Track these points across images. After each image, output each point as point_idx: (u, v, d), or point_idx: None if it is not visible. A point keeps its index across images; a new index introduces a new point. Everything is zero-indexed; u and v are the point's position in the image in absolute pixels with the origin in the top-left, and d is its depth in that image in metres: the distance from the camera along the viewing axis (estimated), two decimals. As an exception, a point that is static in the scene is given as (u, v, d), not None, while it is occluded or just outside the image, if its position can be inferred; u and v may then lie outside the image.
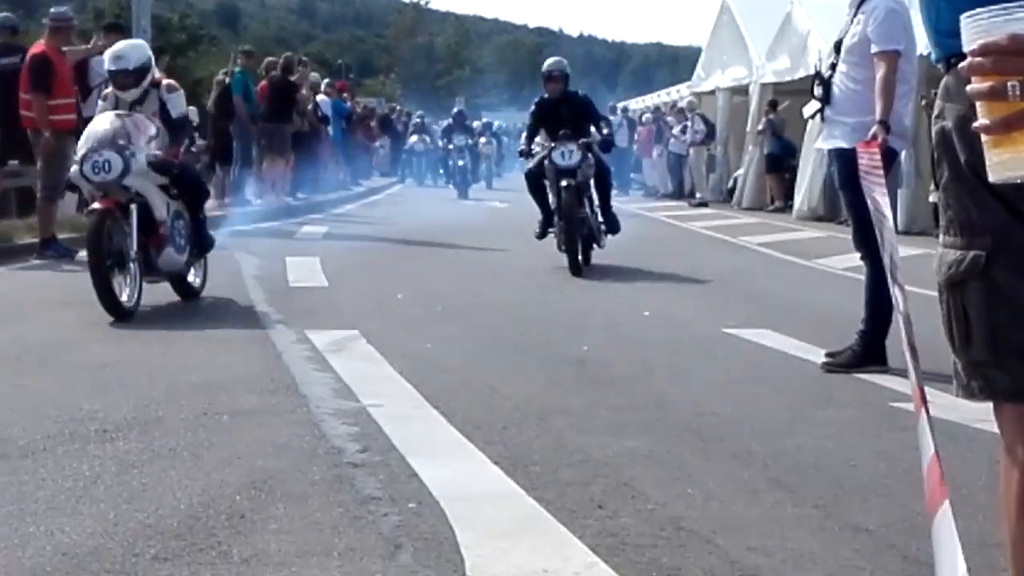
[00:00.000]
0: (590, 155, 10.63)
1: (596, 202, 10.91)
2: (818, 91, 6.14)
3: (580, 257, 10.36)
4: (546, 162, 10.55)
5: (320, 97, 21.11)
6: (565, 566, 3.12)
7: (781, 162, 21.08)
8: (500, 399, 5.22)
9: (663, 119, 27.53)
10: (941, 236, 1.85)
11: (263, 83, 17.58)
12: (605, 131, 10.98)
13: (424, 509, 3.56)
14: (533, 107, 11.29)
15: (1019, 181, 1.47)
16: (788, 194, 20.20)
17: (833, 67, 6.10)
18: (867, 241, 5.72)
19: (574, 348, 6.55)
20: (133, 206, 7.42)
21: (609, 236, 10.96)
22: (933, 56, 1.88)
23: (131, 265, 7.37)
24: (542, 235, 10.91)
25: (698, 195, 23.59)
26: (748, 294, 9.45)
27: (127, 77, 7.81)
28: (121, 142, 7.46)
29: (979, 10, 1.45)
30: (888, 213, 1.89)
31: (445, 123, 30.42)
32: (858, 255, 6.12)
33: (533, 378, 5.74)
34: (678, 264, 11.31)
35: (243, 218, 15.22)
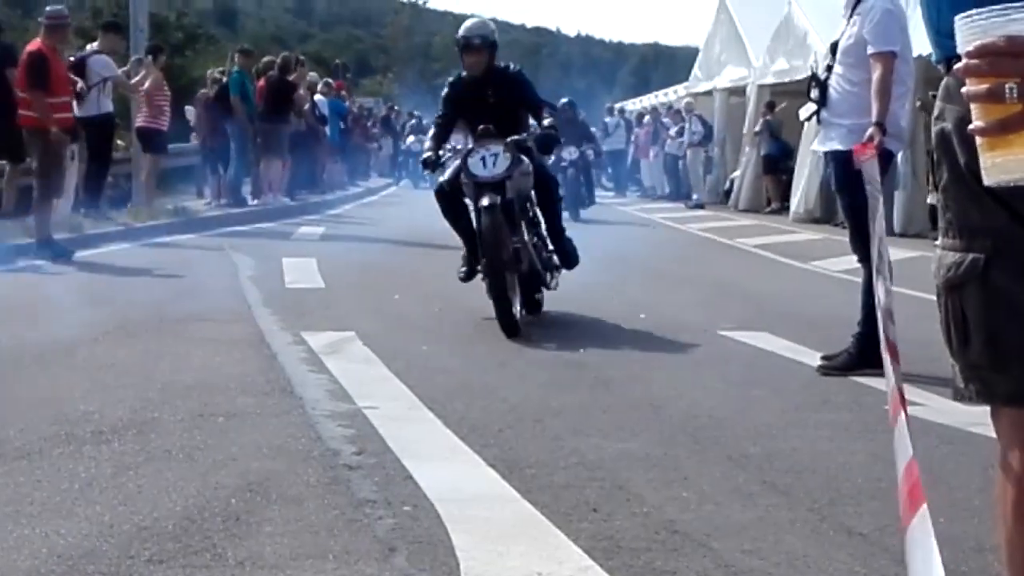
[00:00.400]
0: (525, 160, 7.31)
1: (543, 225, 7.71)
2: (814, 93, 6.12)
3: (518, 308, 7.26)
4: (462, 174, 7.33)
5: (318, 97, 21.07)
6: (560, 569, 3.12)
7: (778, 163, 21.02)
8: (496, 401, 5.21)
9: (660, 120, 27.50)
10: (940, 238, 1.84)
11: (260, 83, 17.54)
12: (547, 120, 7.45)
13: (419, 512, 3.56)
14: (446, 89, 7.75)
15: (1013, 184, 1.46)
16: (785, 196, 20.17)
17: (829, 69, 6.09)
18: (864, 244, 5.72)
19: (570, 350, 6.55)
20: None
21: (563, 271, 7.80)
22: (933, 57, 1.87)
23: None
24: (468, 276, 7.60)
25: (695, 196, 23.54)
26: (744, 296, 9.44)
27: None
28: None
29: (974, 11, 1.43)
30: (879, 198, 1.87)
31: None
32: (855, 258, 6.12)
33: (529, 380, 5.74)
34: (674, 266, 11.30)
35: (240, 218, 15.22)
